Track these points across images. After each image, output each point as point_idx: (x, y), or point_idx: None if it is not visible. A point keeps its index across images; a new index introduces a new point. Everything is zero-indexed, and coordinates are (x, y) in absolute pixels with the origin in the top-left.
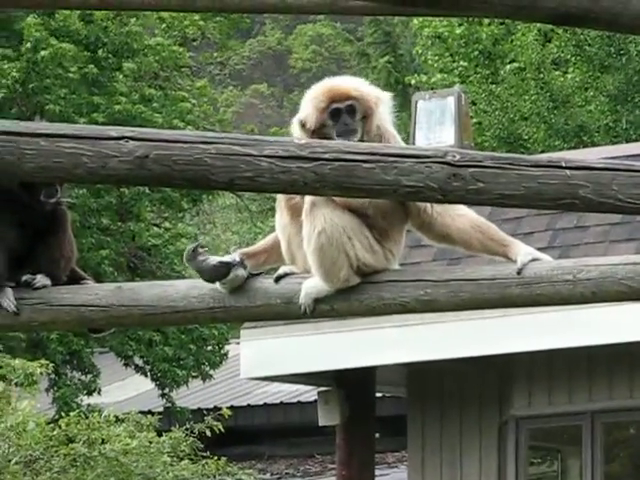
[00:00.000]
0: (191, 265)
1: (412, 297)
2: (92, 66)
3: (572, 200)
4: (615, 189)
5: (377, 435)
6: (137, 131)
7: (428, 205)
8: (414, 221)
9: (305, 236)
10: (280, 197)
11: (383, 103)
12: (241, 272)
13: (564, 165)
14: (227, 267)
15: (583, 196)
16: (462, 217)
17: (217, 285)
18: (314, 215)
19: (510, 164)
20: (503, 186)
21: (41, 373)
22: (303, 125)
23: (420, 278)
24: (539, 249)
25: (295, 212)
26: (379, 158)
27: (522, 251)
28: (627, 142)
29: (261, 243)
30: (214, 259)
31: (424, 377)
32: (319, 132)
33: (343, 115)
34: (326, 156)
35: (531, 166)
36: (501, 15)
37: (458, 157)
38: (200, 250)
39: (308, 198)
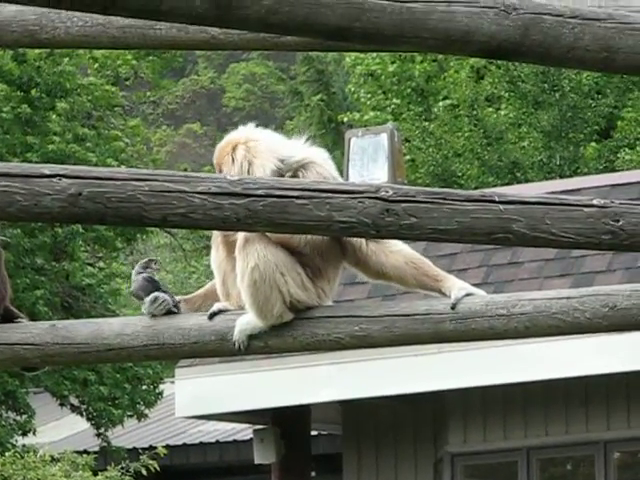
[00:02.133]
0: (133, 275)
1: (346, 333)
2: (25, 106)
3: (505, 235)
4: (548, 223)
5: (313, 473)
6: (70, 169)
7: (363, 243)
8: (350, 259)
9: (239, 272)
10: (216, 233)
11: (232, 161)
12: (163, 296)
13: (497, 200)
14: (154, 285)
15: (517, 230)
16: (396, 253)
17: (142, 309)
18: (247, 251)
19: (443, 199)
20: (436, 221)
21: None
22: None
23: (354, 314)
24: (474, 285)
25: (231, 248)
26: (312, 194)
27: (456, 286)
28: (561, 178)
29: (199, 290)
30: (149, 275)
31: (359, 414)
32: None
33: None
34: (259, 192)
35: (464, 200)
36: (433, 49)
37: (391, 192)
38: (153, 266)
39: (242, 234)
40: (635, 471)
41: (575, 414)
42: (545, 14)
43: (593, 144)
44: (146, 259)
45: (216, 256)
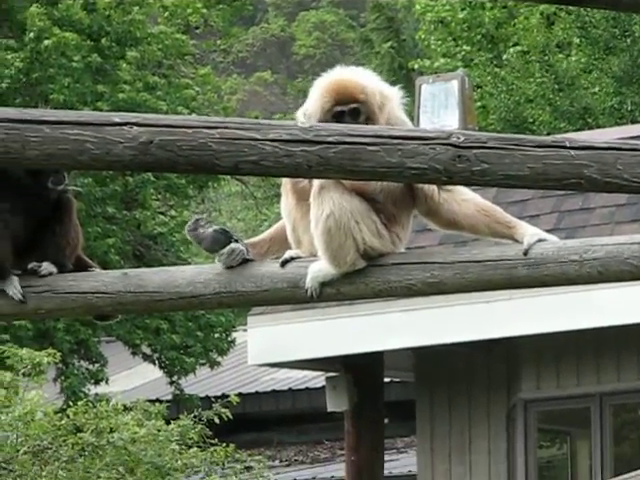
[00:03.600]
0: (191, 236)
1: (418, 279)
2: (95, 55)
3: (577, 180)
4: (620, 168)
5: (386, 420)
6: (141, 117)
7: (435, 192)
8: (421, 208)
9: (313, 219)
10: (286, 180)
11: (390, 101)
12: (239, 247)
13: (568, 145)
14: (226, 236)
15: (588, 176)
16: (468, 202)
17: (216, 260)
18: (322, 198)
19: (514, 145)
20: (508, 167)
21: (48, 363)
22: (308, 119)
23: (426, 260)
24: (545, 231)
25: (301, 195)
26: (383, 140)
27: (528, 232)
28: (632, 124)
29: (264, 233)
30: (220, 227)
31: (431, 362)
32: None
33: (346, 117)
34: (330, 139)
35: (535, 146)
36: None
37: (462, 138)
38: (202, 222)
39: (317, 181)
40: None
41: None
42: None
43: None
44: (194, 217)
45: (286, 203)
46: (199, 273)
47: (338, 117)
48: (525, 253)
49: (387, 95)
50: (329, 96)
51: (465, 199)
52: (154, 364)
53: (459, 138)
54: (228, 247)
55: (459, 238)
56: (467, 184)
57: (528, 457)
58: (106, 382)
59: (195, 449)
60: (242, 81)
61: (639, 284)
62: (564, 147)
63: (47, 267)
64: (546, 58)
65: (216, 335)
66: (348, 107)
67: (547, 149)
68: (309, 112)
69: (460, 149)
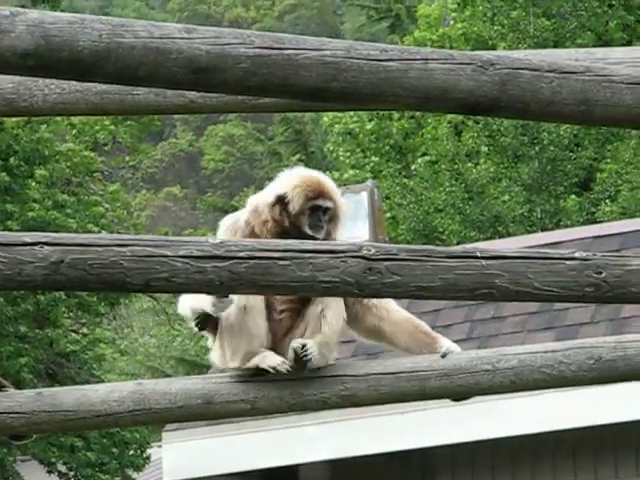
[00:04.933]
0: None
1: (332, 392)
2: (4, 174)
3: (489, 290)
4: (531, 277)
5: None
6: (51, 236)
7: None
8: (349, 311)
9: None
10: None
11: (344, 214)
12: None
13: (479, 255)
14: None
15: (500, 285)
16: (398, 312)
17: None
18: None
19: (425, 256)
20: (419, 278)
21: None
22: (285, 202)
23: (339, 373)
24: (458, 340)
25: None
26: (294, 255)
27: (447, 343)
28: (542, 231)
29: None
30: None
31: (348, 473)
32: (292, 216)
33: (320, 213)
34: (241, 254)
35: (446, 257)
36: (411, 107)
37: (373, 251)
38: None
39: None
40: None
41: (563, 466)
42: (522, 69)
43: (573, 196)
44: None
45: None
46: (112, 391)
47: (314, 210)
48: (443, 356)
49: (344, 209)
50: (312, 189)
51: (395, 309)
52: None
53: (370, 250)
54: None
55: (372, 349)
56: (379, 296)
57: None
58: None
59: None
60: (151, 197)
61: (553, 391)
62: (475, 257)
63: None
64: (455, 167)
65: (131, 452)
66: (325, 204)
67: (458, 260)
68: (289, 197)
69: (371, 262)
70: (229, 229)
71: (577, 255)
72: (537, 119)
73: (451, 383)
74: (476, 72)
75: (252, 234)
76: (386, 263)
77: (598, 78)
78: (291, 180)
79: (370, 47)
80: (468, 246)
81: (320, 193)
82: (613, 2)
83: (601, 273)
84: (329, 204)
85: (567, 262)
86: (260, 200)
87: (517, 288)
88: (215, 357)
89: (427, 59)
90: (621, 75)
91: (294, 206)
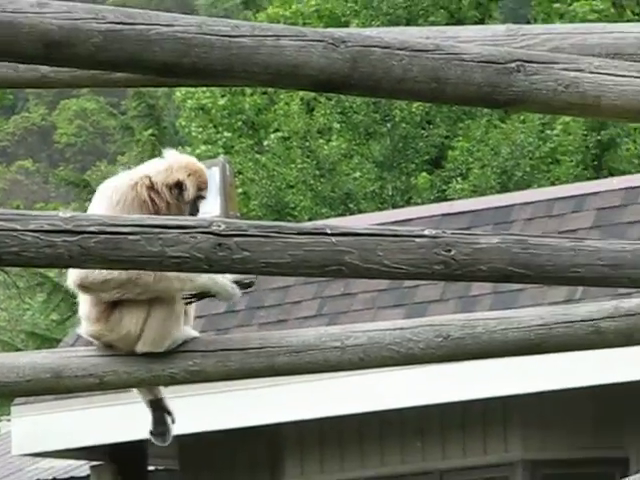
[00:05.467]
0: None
1: (180, 368)
2: None
3: (338, 267)
4: (381, 254)
5: None
6: None
7: None
8: None
9: None
10: None
11: None
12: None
13: (329, 232)
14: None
15: (349, 262)
16: None
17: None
18: None
19: (275, 232)
20: (269, 254)
21: None
22: (182, 189)
23: (187, 349)
24: (308, 317)
25: None
26: (144, 230)
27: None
28: (393, 208)
29: None
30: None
31: (195, 449)
32: (183, 203)
33: (200, 202)
34: (91, 229)
35: (296, 234)
36: (263, 84)
37: (223, 227)
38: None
39: None
40: None
41: (411, 444)
42: (373, 46)
43: (425, 174)
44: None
45: None
46: None
47: (198, 199)
48: None
49: None
50: (203, 180)
51: None
52: None
53: (220, 226)
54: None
55: (221, 324)
56: (228, 272)
57: None
58: None
59: None
60: (3, 170)
61: (401, 369)
62: (325, 234)
63: None
64: (307, 144)
65: None
66: (205, 195)
67: (308, 236)
68: (188, 184)
69: (221, 237)
70: (119, 204)
71: (426, 233)
72: (388, 97)
73: (300, 360)
74: (327, 49)
75: (138, 210)
76: (236, 239)
77: (449, 56)
78: (188, 167)
79: (222, 23)
80: (319, 223)
81: (206, 184)
82: None
83: (450, 251)
84: (206, 194)
85: (416, 239)
86: (159, 179)
87: (367, 265)
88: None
89: (279, 36)
90: (472, 54)
91: (189, 194)
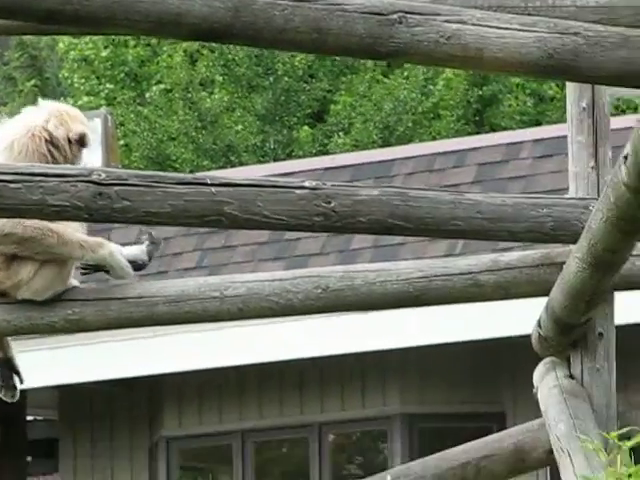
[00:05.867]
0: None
1: (60, 316)
2: None
3: (218, 217)
4: (260, 205)
5: (29, 458)
6: None
7: None
8: None
9: None
10: None
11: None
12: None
13: (209, 182)
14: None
15: (229, 213)
16: None
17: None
18: None
19: (155, 182)
20: (149, 204)
21: None
22: (83, 142)
23: (67, 297)
24: (188, 269)
25: None
26: (24, 178)
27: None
28: (275, 162)
29: None
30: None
31: (75, 399)
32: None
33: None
34: None
35: (176, 184)
36: (145, 32)
37: (103, 176)
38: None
39: None
40: (349, 453)
41: (289, 397)
42: None
43: (307, 128)
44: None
45: None
46: None
47: (82, 154)
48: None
49: None
50: (89, 138)
51: None
52: None
53: (100, 175)
54: None
55: (102, 276)
56: (108, 221)
57: None
58: None
59: None
60: None
61: (281, 321)
62: (205, 184)
63: None
64: (189, 96)
65: None
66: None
67: (188, 186)
68: (84, 140)
69: (101, 186)
70: (21, 154)
71: (306, 184)
72: (270, 47)
73: (179, 309)
74: None
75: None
76: (116, 188)
77: (331, 7)
78: (82, 122)
79: None
80: (199, 174)
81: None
82: None
83: (330, 203)
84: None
85: (296, 191)
86: (59, 134)
87: (246, 216)
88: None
89: None
90: (354, 4)
91: (79, 148)
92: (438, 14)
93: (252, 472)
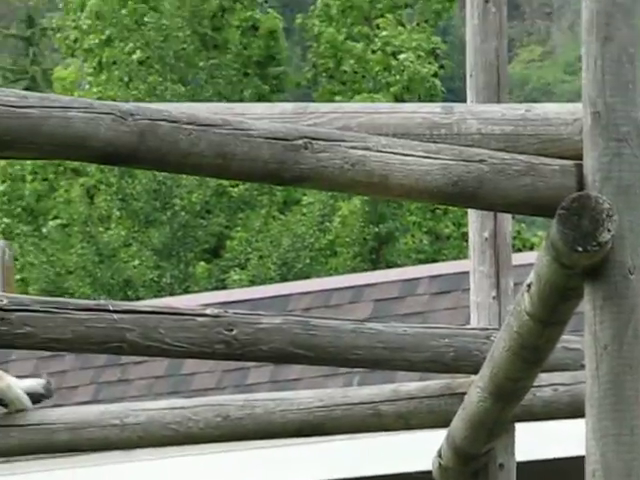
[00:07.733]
0: None
1: None
2: None
3: (119, 344)
4: (162, 332)
5: None
6: None
7: None
8: None
9: None
10: None
11: None
12: None
13: (111, 309)
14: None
15: (130, 339)
16: None
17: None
18: None
19: (57, 308)
20: (51, 330)
21: None
22: None
23: None
24: (84, 403)
25: None
26: None
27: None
28: (171, 296)
29: None
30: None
31: None
32: None
33: None
34: None
35: (79, 310)
36: (50, 155)
37: (5, 301)
38: None
39: None
40: None
41: None
42: (161, 120)
43: (203, 263)
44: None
45: None
46: None
47: None
48: None
49: None
50: None
51: None
52: None
53: (2, 301)
54: None
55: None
56: (11, 347)
57: None
58: None
59: None
60: None
61: (180, 449)
62: (107, 310)
63: None
64: (87, 229)
65: None
66: None
67: (90, 312)
68: None
69: (3, 312)
70: None
71: (209, 312)
72: (175, 171)
73: (80, 437)
74: (116, 122)
75: None
76: (18, 314)
77: (237, 132)
78: None
79: (10, 93)
80: (101, 302)
81: None
82: (249, 71)
83: (232, 330)
84: None
85: (198, 318)
86: None
87: (148, 343)
88: None
89: (67, 107)
90: (259, 129)
91: None
92: (343, 140)
93: None
